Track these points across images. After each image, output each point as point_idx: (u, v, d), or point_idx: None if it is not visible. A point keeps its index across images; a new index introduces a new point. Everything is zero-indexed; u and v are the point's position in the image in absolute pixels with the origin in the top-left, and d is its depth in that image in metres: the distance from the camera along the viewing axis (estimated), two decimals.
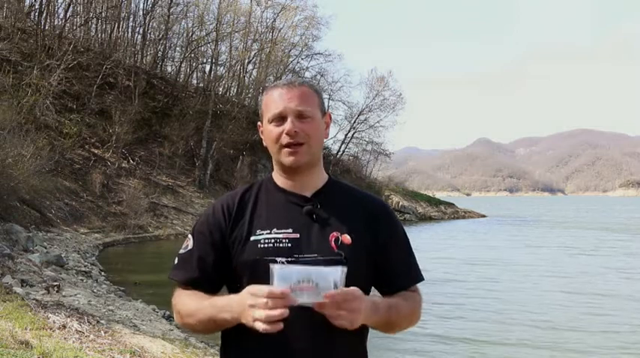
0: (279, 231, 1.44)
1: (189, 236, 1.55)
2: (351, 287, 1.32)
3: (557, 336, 8.81)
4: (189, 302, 1.46)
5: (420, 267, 1.59)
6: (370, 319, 1.38)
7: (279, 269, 1.30)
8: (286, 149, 1.47)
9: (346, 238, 1.44)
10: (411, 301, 1.50)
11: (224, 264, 1.47)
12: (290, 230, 1.44)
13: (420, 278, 1.55)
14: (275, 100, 1.48)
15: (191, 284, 1.49)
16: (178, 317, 1.50)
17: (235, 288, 1.43)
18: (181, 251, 1.54)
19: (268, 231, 1.45)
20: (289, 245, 1.43)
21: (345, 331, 1.41)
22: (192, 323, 1.46)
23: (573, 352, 8.12)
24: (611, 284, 13.52)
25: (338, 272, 1.31)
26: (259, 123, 1.56)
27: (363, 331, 1.51)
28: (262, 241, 1.44)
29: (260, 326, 1.27)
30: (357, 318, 1.32)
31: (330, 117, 1.59)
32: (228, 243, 1.48)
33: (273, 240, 1.43)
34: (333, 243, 1.43)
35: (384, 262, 1.46)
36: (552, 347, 8.26)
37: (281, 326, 1.28)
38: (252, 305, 1.29)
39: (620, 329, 9.42)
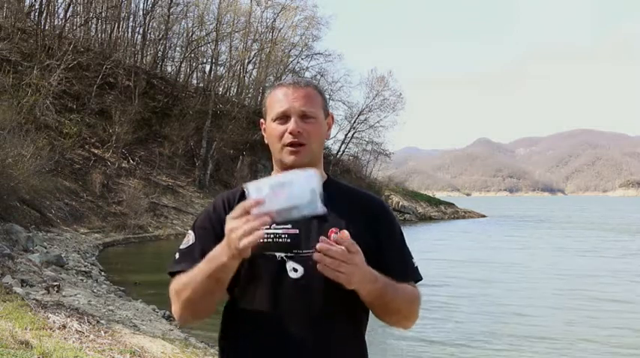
0: (279, 227, 1.44)
1: (190, 232, 1.55)
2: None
3: (550, 343, 8.62)
4: (183, 277, 1.44)
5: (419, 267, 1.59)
6: (367, 286, 1.36)
7: (252, 184, 1.30)
8: (288, 148, 1.48)
9: (345, 234, 1.45)
10: (409, 290, 1.49)
11: None
12: (289, 225, 1.45)
13: (418, 278, 1.56)
14: (280, 99, 1.50)
15: None
16: (175, 300, 1.46)
17: (234, 283, 1.43)
18: (182, 246, 1.53)
19: (268, 227, 1.45)
20: (288, 240, 1.44)
21: (345, 322, 1.44)
22: (190, 296, 1.42)
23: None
24: (610, 288, 13.27)
25: (313, 178, 1.30)
26: (262, 120, 1.57)
27: (362, 322, 1.52)
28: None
29: (245, 241, 1.26)
30: (354, 273, 1.31)
31: (333, 119, 1.61)
32: None
33: (272, 235, 1.44)
34: (332, 238, 1.44)
35: (382, 261, 1.46)
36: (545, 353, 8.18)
37: (262, 232, 1.26)
38: (233, 228, 1.29)
39: (614, 333, 9.22)
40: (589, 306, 11.19)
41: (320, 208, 1.30)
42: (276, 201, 1.27)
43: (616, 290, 12.84)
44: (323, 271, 1.30)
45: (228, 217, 1.32)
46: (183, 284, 1.43)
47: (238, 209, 1.30)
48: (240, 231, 1.27)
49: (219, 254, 1.35)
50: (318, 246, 1.28)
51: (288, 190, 1.28)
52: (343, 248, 1.29)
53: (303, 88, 1.51)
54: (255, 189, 1.29)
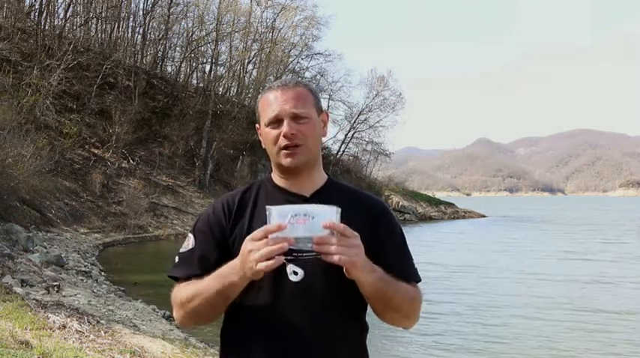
0: None
1: (190, 235, 1.55)
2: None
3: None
4: (189, 288, 1.45)
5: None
6: (368, 276, 1.36)
7: (276, 208, 1.32)
8: (284, 151, 1.48)
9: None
10: (410, 287, 1.49)
11: (224, 262, 1.47)
12: None
13: (417, 279, 1.56)
14: (271, 103, 1.49)
15: (190, 279, 1.49)
16: (178, 308, 1.48)
17: None
18: (182, 250, 1.54)
19: None
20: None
21: (346, 325, 1.43)
22: (195, 307, 1.43)
23: None
24: (603, 295, 12.63)
25: (334, 212, 1.32)
26: (257, 124, 1.56)
27: (362, 326, 1.52)
28: None
29: (262, 265, 1.28)
30: (359, 254, 1.32)
31: (328, 116, 1.60)
32: (228, 241, 1.49)
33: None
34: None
35: (382, 261, 1.46)
36: None
37: (282, 259, 1.29)
38: (251, 249, 1.30)
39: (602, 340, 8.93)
40: (570, 316, 10.54)
41: None
42: (296, 229, 1.29)
43: (605, 299, 12.21)
44: (326, 259, 1.30)
45: (248, 238, 1.33)
46: (189, 297, 1.44)
47: (260, 231, 1.30)
48: (258, 254, 1.28)
49: (230, 272, 1.37)
50: (314, 238, 1.30)
51: (309, 221, 1.30)
52: (337, 233, 1.30)
53: (292, 89, 1.50)
54: (278, 213, 1.31)
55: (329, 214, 1.31)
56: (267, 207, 1.33)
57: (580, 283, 14.16)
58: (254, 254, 1.29)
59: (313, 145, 1.51)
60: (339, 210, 1.33)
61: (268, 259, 1.28)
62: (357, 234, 1.33)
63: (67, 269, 12.09)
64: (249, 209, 1.52)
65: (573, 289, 13.37)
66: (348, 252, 1.30)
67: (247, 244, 1.32)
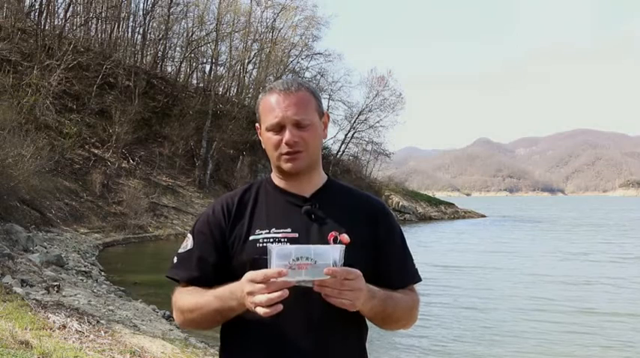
0: (278, 231, 1.45)
1: (189, 236, 1.55)
2: (351, 268, 1.32)
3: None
4: (191, 298, 1.46)
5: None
6: (368, 304, 1.37)
7: (277, 248, 1.30)
8: (285, 156, 1.47)
9: (344, 237, 1.45)
10: (408, 298, 1.51)
11: (223, 263, 1.47)
12: (289, 229, 1.45)
13: (417, 279, 1.56)
14: (273, 108, 1.47)
15: (190, 283, 1.50)
16: (179, 314, 1.49)
17: None
18: (180, 250, 1.54)
19: (267, 231, 1.46)
20: (287, 244, 1.43)
21: (345, 327, 1.43)
22: (195, 318, 1.45)
23: None
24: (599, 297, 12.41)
25: (337, 251, 1.31)
26: (257, 124, 1.56)
27: (361, 328, 1.52)
28: (261, 240, 1.44)
29: (261, 311, 1.28)
30: (359, 297, 1.32)
31: (328, 117, 1.59)
32: (227, 242, 1.49)
33: (271, 240, 1.44)
34: (331, 241, 1.44)
35: (381, 262, 1.46)
36: None
37: (281, 307, 1.28)
38: (251, 292, 1.30)
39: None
40: (568, 318, 10.41)
41: None
42: (297, 273, 1.28)
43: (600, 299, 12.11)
44: (328, 300, 1.31)
45: (248, 277, 1.32)
46: (189, 308, 1.46)
47: (260, 275, 1.29)
48: (257, 300, 1.28)
49: (230, 298, 1.37)
50: (315, 281, 1.29)
51: (311, 266, 1.28)
52: (337, 278, 1.29)
53: (295, 94, 1.47)
54: (279, 254, 1.29)
55: (332, 254, 1.30)
56: (269, 246, 1.32)
57: (579, 284, 14.08)
58: (253, 298, 1.29)
59: (314, 150, 1.50)
60: (343, 247, 1.32)
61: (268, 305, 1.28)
62: (359, 273, 1.32)
63: (67, 269, 12.09)
64: (248, 210, 1.52)
65: (572, 290, 13.31)
66: (350, 296, 1.30)
67: (247, 285, 1.31)
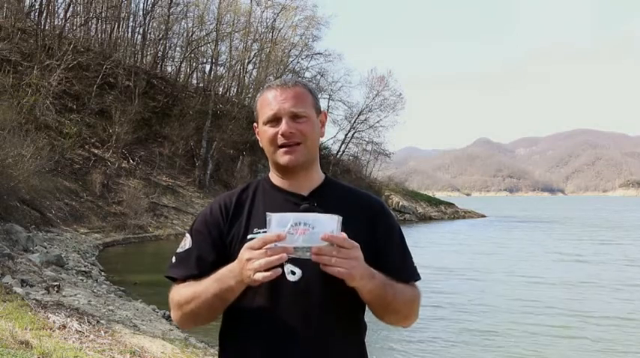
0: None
1: (187, 235, 1.55)
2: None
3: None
4: (188, 289, 1.45)
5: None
6: (367, 283, 1.35)
7: (277, 216, 1.30)
8: (282, 149, 1.48)
9: (342, 235, 1.45)
10: (409, 289, 1.50)
11: (222, 262, 1.46)
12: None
13: (417, 277, 1.56)
14: (269, 102, 1.49)
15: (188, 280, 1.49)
16: (176, 309, 1.48)
17: None
18: (179, 250, 1.53)
19: (265, 230, 1.46)
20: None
21: (344, 326, 1.43)
22: (193, 309, 1.43)
23: None
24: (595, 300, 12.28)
25: (334, 221, 1.30)
26: (255, 124, 1.56)
27: (361, 327, 1.52)
28: None
29: (259, 276, 1.27)
30: (356, 267, 1.30)
31: (326, 116, 1.59)
32: (225, 241, 1.49)
33: None
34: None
35: (380, 260, 1.46)
36: None
37: (279, 271, 1.28)
38: (250, 258, 1.29)
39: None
40: (566, 320, 10.29)
41: None
42: (295, 239, 1.28)
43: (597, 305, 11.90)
44: (324, 269, 1.29)
45: (246, 246, 1.32)
46: (187, 298, 1.44)
47: (258, 240, 1.29)
48: (257, 263, 1.28)
49: (228, 276, 1.36)
50: (312, 249, 1.28)
51: (309, 231, 1.28)
52: (336, 245, 1.29)
53: (292, 88, 1.49)
54: (277, 221, 1.29)
55: (329, 224, 1.30)
56: (267, 213, 1.32)
57: (577, 285, 14.03)
58: (252, 263, 1.29)
59: (311, 145, 1.50)
60: (340, 218, 1.31)
61: (267, 269, 1.28)
62: (356, 244, 1.32)
63: (67, 269, 12.10)
64: (246, 209, 1.52)
65: (571, 291, 13.26)
66: (347, 265, 1.29)
67: (245, 253, 1.31)
